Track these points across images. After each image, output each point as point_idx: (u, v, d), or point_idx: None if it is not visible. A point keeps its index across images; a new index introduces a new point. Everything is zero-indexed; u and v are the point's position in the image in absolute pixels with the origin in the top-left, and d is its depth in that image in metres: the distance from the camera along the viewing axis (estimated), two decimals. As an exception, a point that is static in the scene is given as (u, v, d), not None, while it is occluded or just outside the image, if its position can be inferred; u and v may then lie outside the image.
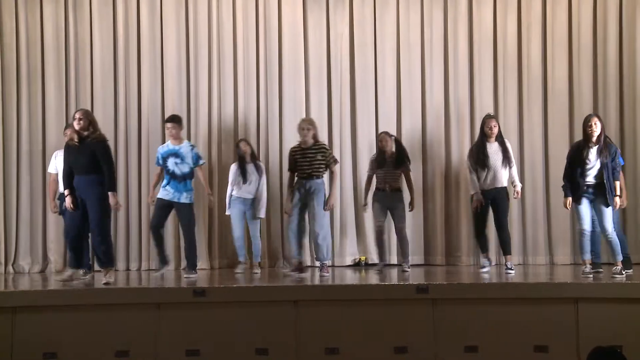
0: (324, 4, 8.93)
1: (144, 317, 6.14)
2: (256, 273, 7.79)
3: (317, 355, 6.12)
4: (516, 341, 6.12)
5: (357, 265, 8.68)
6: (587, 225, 6.90)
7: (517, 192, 7.64)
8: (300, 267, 7.46)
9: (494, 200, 7.54)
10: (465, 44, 8.90)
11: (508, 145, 7.67)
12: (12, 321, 6.05)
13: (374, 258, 8.71)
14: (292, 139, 8.69)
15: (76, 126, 6.64)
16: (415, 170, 8.71)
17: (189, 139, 8.71)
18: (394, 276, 7.54)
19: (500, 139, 7.64)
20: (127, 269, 8.57)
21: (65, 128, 7.75)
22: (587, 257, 6.98)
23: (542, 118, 8.81)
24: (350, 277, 7.68)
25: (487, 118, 7.70)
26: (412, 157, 8.77)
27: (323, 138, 8.81)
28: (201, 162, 7.59)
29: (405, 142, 8.77)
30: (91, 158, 6.58)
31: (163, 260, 7.51)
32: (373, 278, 7.47)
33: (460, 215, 8.71)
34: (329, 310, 6.23)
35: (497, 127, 7.62)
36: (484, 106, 8.82)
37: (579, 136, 8.62)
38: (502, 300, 6.25)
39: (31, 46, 8.67)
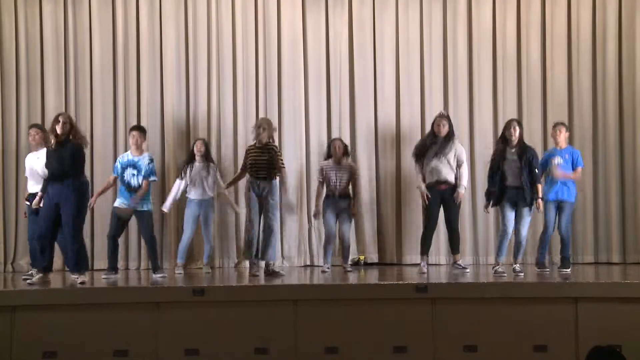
0: (323, 4, 8.93)
1: (144, 317, 6.14)
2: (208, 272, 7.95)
3: (316, 354, 6.13)
4: (515, 341, 6.12)
5: (356, 264, 8.67)
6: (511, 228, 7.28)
7: (458, 194, 7.70)
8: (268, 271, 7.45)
9: (441, 198, 7.69)
10: (465, 43, 8.90)
11: (453, 143, 7.76)
12: (11, 320, 6.06)
13: (372, 258, 8.73)
14: (291, 139, 8.74)
15: (59, 130, 6.62)
16: (414, 169, 8.73)
17: (188, 138, 8.72)
18: (393, 275, 7.54)
19: (449, 137, 7.76)
20: (127, 269, 8.58)
21: (30, 127, 7.74)
22: (503, 258, 7.30)
23: (541, 117, 8.81)
24: (350, 277, 7.67)
25: (437, 116, 7.92)
26: (411, 156, 8.80)
27: (322, 138, 8.85)
28: (152, 178, 7.37)
29: (403, 140, 8.81)
30: (68, 162, 6.62)
31: (114, 268, 7.48)
32: (372, 277, 7.47)
33: (461, 215, 8.68)
34: (328, 310, 6.23)
35: (445, 127, 7.76)
36: (483, 106, 8.84)
37: (577, 136, 8.71)
38: (501, 299, 6.25)
39: (30, 46, 8.68)
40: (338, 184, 7.81)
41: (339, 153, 7.85)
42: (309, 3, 8.93)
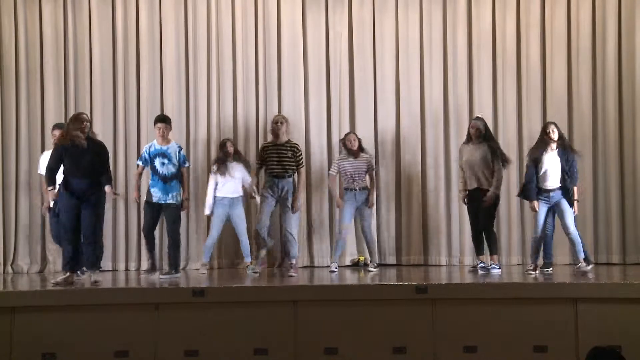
0: (323, 5, 8.94)
1: (143, 318, 6.14)
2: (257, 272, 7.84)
3: (316, 355, 6.13)
4: (515, 341, 6.13)
5: (355, 265, 8.68)
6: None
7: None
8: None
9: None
10: (464, 44, 8.90)
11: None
12: (10, 322, 6.06)
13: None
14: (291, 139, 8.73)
15: (87, 129, 6.77)
16: (414, 170, 8.73)
17: (187, 139, 8.73)
18: (393, 276, 7.54)
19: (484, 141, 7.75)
20: (126, 269, 8.58)
21: (54, 129, 7.72)
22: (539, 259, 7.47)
23: (541, 118, 8.80)
24: (349, 277, 7.68)
25: (474, 120, 7.96)
26: (412, 156, 8.83)
27: (322, 138, 8.86)
28: (187, 164, 7.64)
29: (403, 141, 8.81)
30: (96, 160, 6.75)
31: (153, 266, 7.61)
32: (372, 278, 7.47)
33: (461, 216, 8.70)
34: (328, 311, 6.23)
35: (478, 130, 7.73)
36: (483, 106, 8.83)
37: (578, 136, 8.71)
38: (501, 300, 6.25)
39: (30, 46, 8.67)
40: (357, 176, 7.89)
41: (354, 146, 7.97)
42: (309, 3, 8.94)
